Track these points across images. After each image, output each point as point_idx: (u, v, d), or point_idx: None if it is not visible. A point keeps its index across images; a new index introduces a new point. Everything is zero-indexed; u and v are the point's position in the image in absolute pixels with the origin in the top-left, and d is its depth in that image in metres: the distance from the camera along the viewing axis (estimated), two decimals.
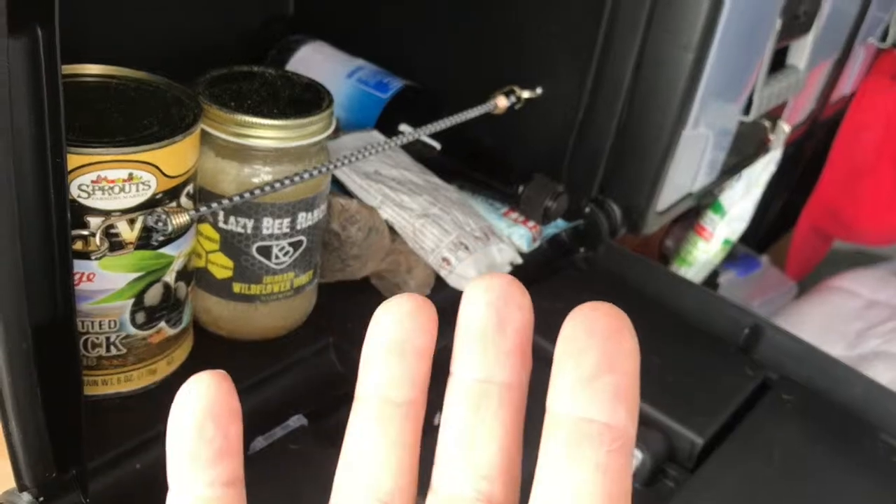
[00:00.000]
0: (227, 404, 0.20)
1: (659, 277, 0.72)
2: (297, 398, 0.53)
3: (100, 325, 0.45)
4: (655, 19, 0.64)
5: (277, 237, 0.50)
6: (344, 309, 0.58)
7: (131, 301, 0.45)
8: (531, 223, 0.68)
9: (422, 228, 0.60)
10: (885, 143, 1.18)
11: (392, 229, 0.61)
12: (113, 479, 0.45)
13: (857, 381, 0.63)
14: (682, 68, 0.65)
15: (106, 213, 0.41)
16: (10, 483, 0.40)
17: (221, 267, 0.51)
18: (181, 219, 0.43)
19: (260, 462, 0.48)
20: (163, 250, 0.45)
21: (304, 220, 0.50)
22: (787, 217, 1.36)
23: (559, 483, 0.18)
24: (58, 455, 0.40)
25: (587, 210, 0.72)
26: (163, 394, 0.49)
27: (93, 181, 0.40)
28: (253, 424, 0.49)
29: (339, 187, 0.64)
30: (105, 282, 0.44)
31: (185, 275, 0.48)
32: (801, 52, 0.86)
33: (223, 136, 0.47)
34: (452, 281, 0.60)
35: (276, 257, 0.51)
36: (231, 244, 0.50)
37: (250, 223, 0.49)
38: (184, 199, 0.45)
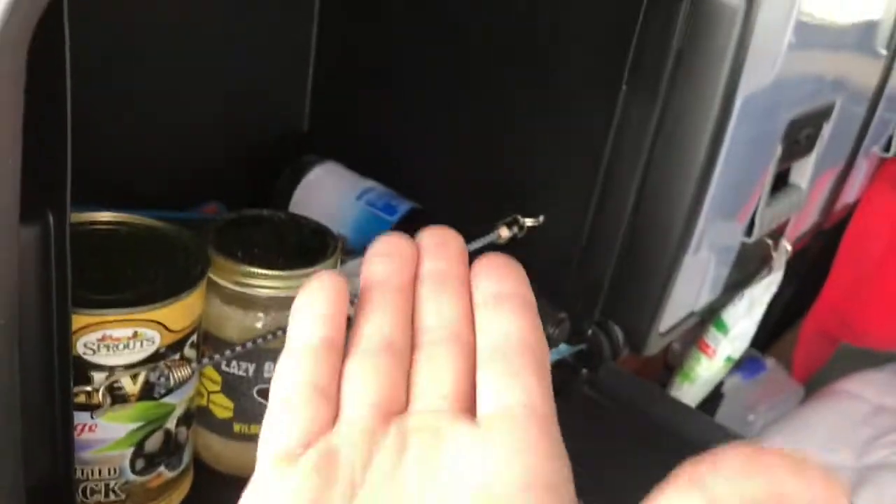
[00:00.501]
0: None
1: (661, 402, 0.72)
2: None
3: (99, 473, 0.45)
4: (656, 154, 0.65)
5: None
6: None
7: (131, 449, 0.45)
8: None
9: None
10: (891, 250, 1.18)
11: None
12: None
13: None
14: (682, 199, 0.66)
15: (110, 369, 0.42)
16: None
17: (222, 407, 0.51)
18: (183, 372, 0.44)
19: None
20: (165, 399, 0.45)
21: None
22: (790, 314, 1.36)
23: (497, 322, 0.28)
24: None
25: (590, 332, 0.73)
26: None
27: (98, 339, 0.41)
28: None
29: None
30: (106, 432, 0.44)
31: (185, 419, 0.48)
32: (804, 171, 0.87)
33: (229, 285, 0.48)
34: None
35: None
36: (233, 386, 0.51)
37: (252, 367, 0.50)
38: (187, 349, 0.46)
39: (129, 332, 0.42)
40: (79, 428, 0.43)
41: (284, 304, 0.49)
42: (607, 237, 0.69)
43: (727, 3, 0.60)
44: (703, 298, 0.82)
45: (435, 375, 0.28)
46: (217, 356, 0.46)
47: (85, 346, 0.41)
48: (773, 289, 0.87)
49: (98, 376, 0.42)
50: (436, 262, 0.31)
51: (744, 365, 1.22)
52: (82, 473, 0.45)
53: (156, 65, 0.69)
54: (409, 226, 0.73)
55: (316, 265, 0.49)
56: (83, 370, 0.42)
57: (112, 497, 0.46)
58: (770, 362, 1.25)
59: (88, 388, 0.42)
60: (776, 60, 0.68)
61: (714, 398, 1.04)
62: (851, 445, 1.11)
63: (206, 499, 0.53)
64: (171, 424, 0.47)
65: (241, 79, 0.77)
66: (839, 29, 0.77)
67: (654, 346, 0.76)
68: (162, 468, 0.48)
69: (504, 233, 0.66)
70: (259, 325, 0.49)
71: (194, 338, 0.46)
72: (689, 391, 0.89)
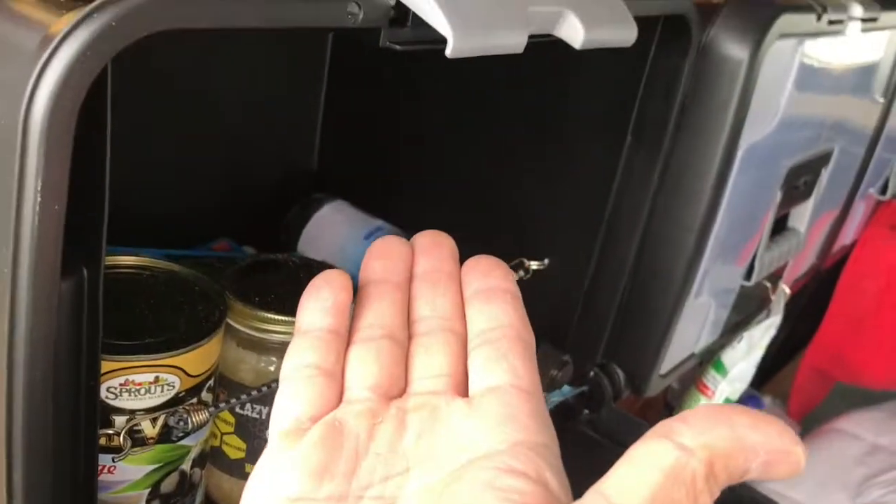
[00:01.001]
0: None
1: None
2: None
3: None
4: (659, 202, 0.67)
5: None
6: None
7: (148, 490, 0.46)
8: None
9: None
10: (887, 291, 1.20)
11: None
12: None
13: None
14: (684, 247, 0.68)
15: (131, 413, 0.43)
16: None
17: (235, 448, 0.52)
18: (201, 416, 0.45)
19: None
20: (182, 442, 0.46)
21: None
22: (785, 351, 1.37)
23: (486, 313, 0.31)
24: None
25: (592, 374, 0.74)
26: None
27: (121, 384, 0.42)
28: None
29: None
30: (124, 474, 0.45)
31: (200, 460, 0.49)
32: (802, 216, 0.89)
33: (246, 329, 0.49)
34: None
35: None
36: (246, 428, 0.52)
37: (266, 410, 0.51)
38: (204, 393, 0.47)
39: (150, 377, 0.43)
40: (98, 469, 0.44)
41: None
42: (610, 282, 0.70)
43: (731, 56, 0.62)
44: (703, 341, 0.83)
45: (430, 361, 0.31)
46: (234, 400, 0.47)
47: (107, 390, 0.42)
48: (772, 332, 0.89)
49: (119, 420, 0.43)
50: (429, 261, 0.34)
51: (742, 403, 1.23)
52: None
53: (168, 102, 0.70)
54: None
55: None
56: (105, 414, 0.43)
57: None
58: (767, 400, 1.27)
59: (110, 432, 0.43)
60: (777, 110, 0.70)
61: None
62: (847, 485, 1.12)
63: None
64: (186, 466, 0.48)
65: (251, 117, 0.79)
66: (838, 75, 0.79)
67: (654, 388, 0.77)
68: None
69: None
70: (273, 368, 0.50)
71: (211, 382, 0.47)
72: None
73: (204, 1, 0.31)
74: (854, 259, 1.18)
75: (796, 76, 0.69)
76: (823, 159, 0.86)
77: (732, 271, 0.80)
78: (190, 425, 0.44)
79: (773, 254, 0.84)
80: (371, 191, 0.82)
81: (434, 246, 0.35)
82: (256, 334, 0.49)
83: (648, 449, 0.24)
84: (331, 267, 0.56)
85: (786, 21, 0.64)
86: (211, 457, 0.53)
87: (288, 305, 0.50)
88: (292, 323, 0.49)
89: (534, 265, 0.69)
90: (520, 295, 0.33)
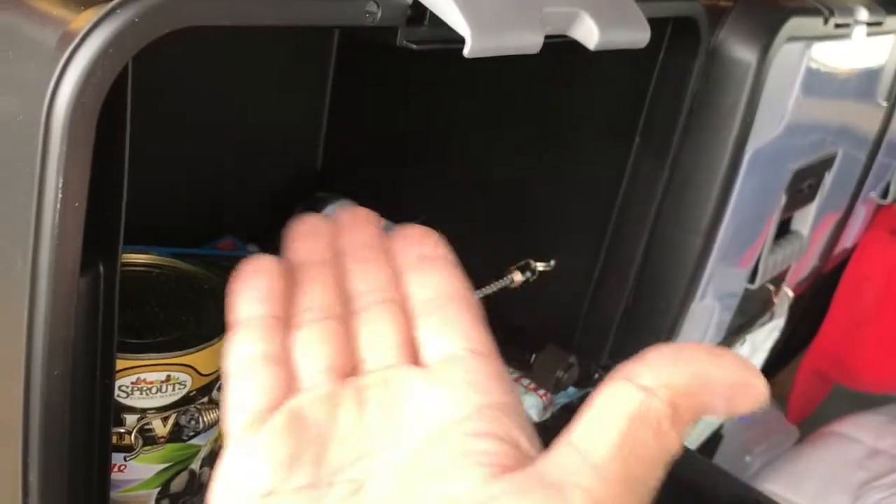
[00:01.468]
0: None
1: None
2: None
3: None
4: (666, 204, 0.67)
5: None
6: None
7: (157, 489, 0.46)
8: (542, 391, 0.69)
9: None
10: (887, 295, 1.20)
11: None
12: None
13: None
14: (690, 251, 0.68)
15: (142, 412, 0.43)
16: None
17: None
18: (212, 415, 0.45)
19: None
20: (192, 441, 0.46)
21: None
22: (784, 354, 1.37)
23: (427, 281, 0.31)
24: None
25: (597, 376, 0.74)
26: None
27: (132, 383, 0.42)
28: None
29: None
30: (134, 472, 0.45)
31: (209, 460, 0.49)
32: (806, 219, 0.89)
33: None
34: None
35: None
36: None
37: None
38: (215, 392, 0.46)
39: (162, 375, 0.43)
40: None
41: None
42: (616, 284, 0.70)
43: (740, 58, 0.62)
44: (707, 343, 0.83)
45: (378, 335, 0.29)
46: None
47: (119, 388, 0.42)
48: (776, 335, 0.89)
49: (130, 418, 0.43)
50: (355, 236, 0.33)
51: None
52: None
53: (174, 102, 0.70)
54: None
55: None
56: (116, 412, 0.42)
57: None
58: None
59: (121, 430, 0.43)
60: (785, 113, 0.70)
61: (713, 440, 1.06)
62: (846, 489, 1.12)
63: None
64: (195, 465, 0.48)
65: (256, 115, 0.78)
66: (843, 79, 0.79)
67: None
68: None
69: (517, 277, 0.67)
70: None
71: (222, 381, 0.47)
72: (691, 433, 0.90)
73: None
74: (854, 263, 1.19)
75: (803, 80, 0.69)
76: (827, 163, 0.87)
77: (737, 274, 0.81)
78: (201, 424, 0.44)
79: (777, 257, 0.84)
80: (375, 190, 0.82)
81: (357, 220, 0.34)
82: None
83: (612, 393, 0.24)
84: None
85: (794, 24, 0.64)
86: (220, 456, 0.52)
87: None
88: None
89: (540, 266, 0.69)
90: (455, 261, 0.32)
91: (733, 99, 0.63)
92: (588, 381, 0.74)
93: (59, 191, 0.29)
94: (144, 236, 0.57)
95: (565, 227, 0.71)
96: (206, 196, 0.77)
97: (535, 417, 0.68)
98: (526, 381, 0.70)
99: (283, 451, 0.26)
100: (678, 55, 0.61)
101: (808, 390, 1.33)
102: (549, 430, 0.28)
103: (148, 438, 0.44)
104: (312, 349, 0.29)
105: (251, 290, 0.30)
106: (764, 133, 0.68)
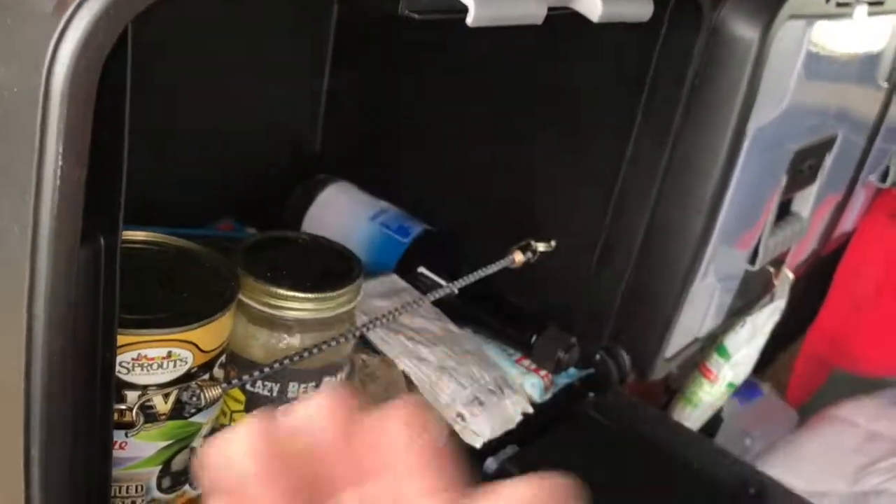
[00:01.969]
0: None
1: (665, 426, 0.73)
2: None
3: (126, 490, 0.46)
4: (667, 185, 0.66)
5: None
6: None
7: (159, 467, 0.46)
8: (543, 371, 0.69)
9: (438, 382, 0.62)
10: (886, 278, 1.20)
11: (409, 379, 0.63)
12: None
13: None
14: (692, 230, 0.68)
15: (143, 388, 0.43)
16: None
17: None
18: (214, 392, 0.44)
19: None
20: (193, 419, 0.46)
21: (329, 383, 0.52)
22: (783, 337, 1.37)
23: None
24: None
25: (597, 357, 0.74)
26: None
27: (133, 359, 0.42)
28: None
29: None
30: (136, 450, 0.45)
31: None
32: (806, 201, 0.89)
33: (257, 305, 0.49)
34: (466, 437, 0.61)
35: None
36: (256, 405, 0.51)
37: (276, 387, 0.50)
38: (216, 369, 0.46)
39: (163, 352, 0.42)
40: None
41: (308, 325, 0.50)
42: (617, 264, 0.70)
43: (742, 36, 0.62)
44: (707, 325, 0.83)
45: None
46: (246, 376, 0.46)
47: (120, 364, 0.42)
48: (777, 317, 0.89)
49: (131, 395, 0.43)
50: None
51: (740, 390, 1.23)
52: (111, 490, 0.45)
53: (174, 85, 0.70)
54: (422, 247, 0.74)
55: (342, 289, 0.50)
56: (117, 389, 0.42)
57: None
58: (766, 387, 1.27)
59: (122, 407, 0.42)
60: (786, 93, 0.69)
61: (713, 423, 1.06)
62: (845, 472, 1.12)
63: None
64: (197, 443, 0.47)
65: (255, 97, 0.78)
66: (844, 61, 0.79)
67: (659, 372, 0.77)
68: (187, 486, 0.48)
69: (518, 257, 0.67)
70: (282, 345, 0.50)
71: (223, 358, 0.47)
72: (692, 415, 0.90)
73: None
74: (853, 246, 1.18)
75: (804, 59, 0.69)
76: (828, 144, 0.86)
77: (737, 255, 0.80)
78: (203, 401, 0.44)
79: (778, 238, 0.84)
80: (374, 172, 0.81)
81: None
82: (268, 310, 0.49)
83: None
84: (340, 245, 0.55)
85: (796, 1, 0.63)
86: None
87: (300, 282, 0.50)
88: (303, 299, 0.49)
89: (541, 247, 0.69)
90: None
91: (735, 77, 0.62)
92: (589, 363, 0.73)
93: (60, 157, 0.29)
94: (142, 218, 0.56)
95: (566, 207, 0.71)
96: (206, 178, 0.77)
97: (537, 398, 0.68)
98: (527, 362, 0.70)
99: None
100: (680, 32, 0.61)
101: (807, 374, 1.33)
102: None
103: (149, 415, 0.43)
104: None
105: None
106: (765, 112, 0.67)
